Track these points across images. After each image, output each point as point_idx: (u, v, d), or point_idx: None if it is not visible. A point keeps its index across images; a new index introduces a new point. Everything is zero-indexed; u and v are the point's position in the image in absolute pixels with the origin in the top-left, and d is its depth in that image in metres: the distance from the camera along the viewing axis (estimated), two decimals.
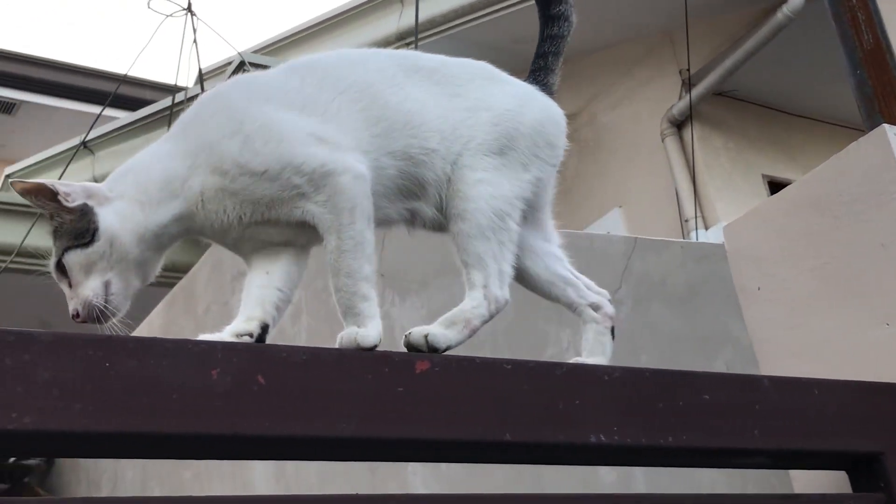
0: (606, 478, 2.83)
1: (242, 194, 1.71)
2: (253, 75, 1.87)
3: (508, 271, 1.78)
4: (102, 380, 1.33)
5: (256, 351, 1.48)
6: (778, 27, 6.22)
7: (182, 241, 1.83)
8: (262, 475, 3.90)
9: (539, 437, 1.60)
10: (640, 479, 2.83)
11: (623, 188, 7.16)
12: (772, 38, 6.30)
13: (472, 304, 1.73)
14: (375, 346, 1.60)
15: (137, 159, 1.82)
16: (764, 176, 6.93)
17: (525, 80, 1.97)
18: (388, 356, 1.56)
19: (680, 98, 6.84)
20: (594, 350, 1.87)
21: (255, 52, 7.51)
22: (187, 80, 5.83)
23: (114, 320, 1.70)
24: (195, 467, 4.32)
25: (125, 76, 5.99)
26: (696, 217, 6.51)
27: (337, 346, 1.61)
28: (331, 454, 1.60)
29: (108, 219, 1.71)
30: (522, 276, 1.91)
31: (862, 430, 1.96)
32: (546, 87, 1.97)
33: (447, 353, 1.66)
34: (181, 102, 5.88)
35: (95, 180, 7.45)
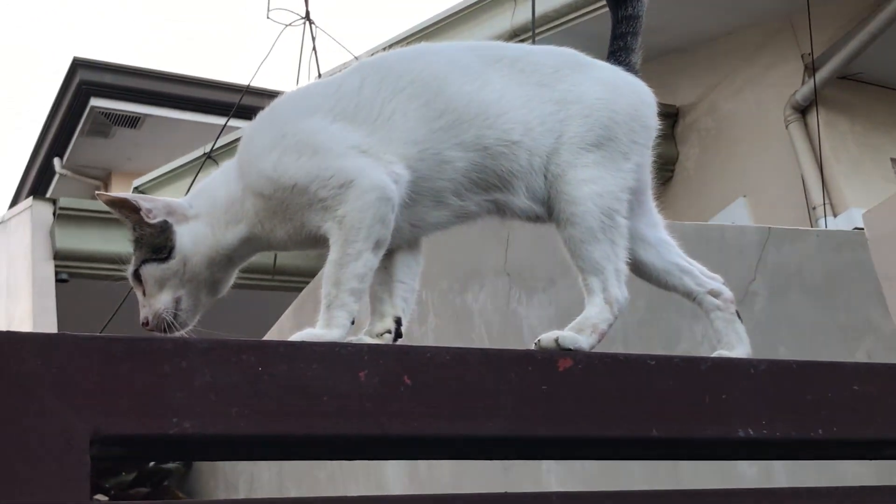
0: (747, 472, 2.79)
1: (282, 212, 1.75)
2: (309, 85, 1.90)
3: (624, 269, 1.76)
4: (256, 384, 1.36)
5: (401, 352, 1.49)
6: None
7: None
8: (395, 475, 3.94)
9: (686, 433, 1.58)
10: (780, 472, 2.78)
11: (747, 177, 7.02)
12: None
13: (596, 311, 1.72)
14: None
15: (211, 178, 1.88)
16: (893, 160, 6.73)
17: (608, 62, 1.94)
18: (531, 354, 1.56)
19: (803, 83, 6.68)
20: (732, 341, 1.84)
21: (372, 55, 7.58)
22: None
23: (181, 332, 1.77)
24: (329, 469, 4.39)
25: (248, 87, 6.10)
26: (823, 204, 6.35)
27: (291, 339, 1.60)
28: (478, 454, 1.60)
29: (184, 239, 1.78)
30: (637, 268, 1.89)
31: None
32: (629, 68, 1.93)
33: (588, 351, 1.66)
34: None
35: None
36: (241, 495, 5.31)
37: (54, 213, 7.01)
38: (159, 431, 1.30)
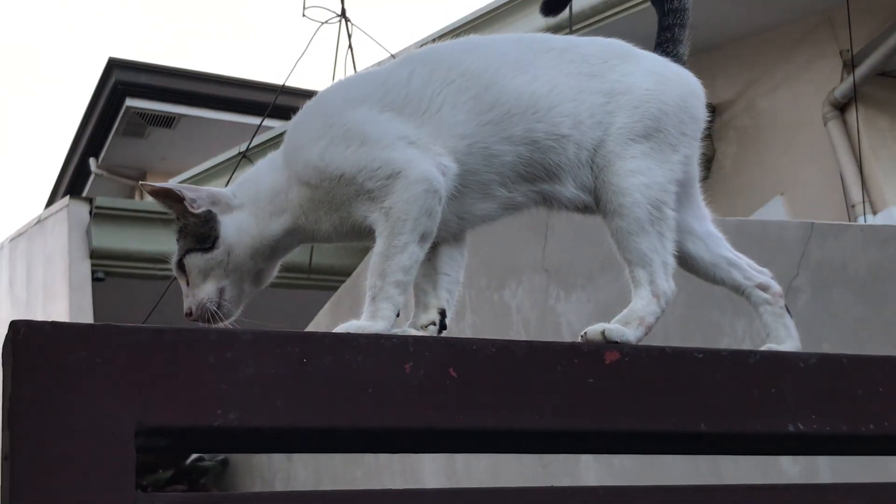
0: (789, 469, 2.75)
1: (328, 203, 1.73)
2: (359, 74, 1.89)
3: (671, 262, 1.74)
4: (301, 376, 1.35)
5: (447, 344, 1.48)
6: None
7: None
8: (431, 471, 3.93)
9: (735, 427, 1.55)
10: (824, 469, 2.74)
11: (784, 175, 6.95)
12: None
13: (643, 303, 1.70)
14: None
15: (257, 168, 1.87)
16: None
17: (656, 53, 1.91)
18: (577, 347, 1.55)
19: (842, 80, 6.60)
20: (781, 335, 1.81)
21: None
22: None
23: (225, 323, 1.77)
24: (366, 466, 4.38)
25: (283, 86, 6.11)
26: (863, 202, 6.28)
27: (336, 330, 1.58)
28: (525, 447, 1.59)
29: (229, 229, 1.77)
30: (685, 261, 1.87)
31: None
32: (677, 59, 1.91)
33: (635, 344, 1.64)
34: None
35: None
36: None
37: (91, 213, 7.06)
38: (204, 423, 1.30)
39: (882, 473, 2.47)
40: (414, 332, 1.69)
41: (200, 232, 1.77)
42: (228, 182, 6.37)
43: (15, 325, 1.25)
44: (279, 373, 1.34)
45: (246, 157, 7.20)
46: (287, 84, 6.53)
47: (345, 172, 1.69)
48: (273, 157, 1.85)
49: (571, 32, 5.71)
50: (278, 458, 5.31)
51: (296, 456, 5.02)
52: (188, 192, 1.79)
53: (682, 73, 1.87)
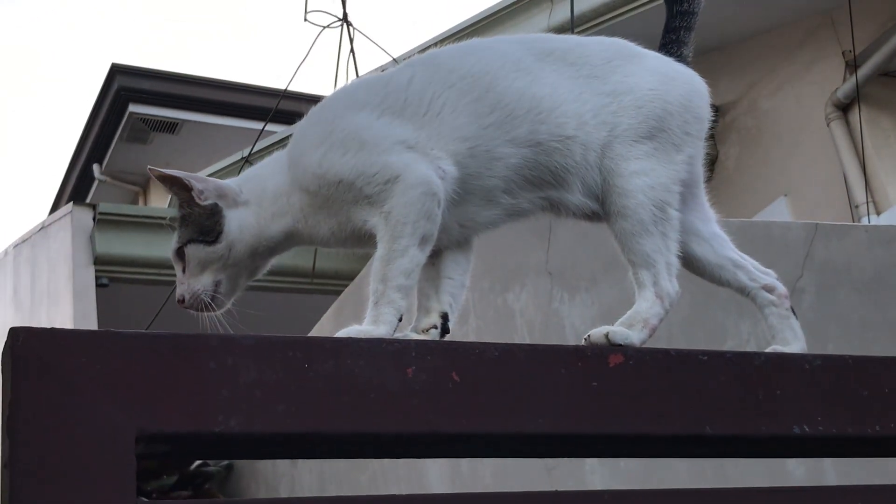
0: (795, 471, 2.74)
1: (327, 208, 1.73)
2: (362, 80, 1.89)
3: (675, 262, 1.73)
4: (303, 381, 1.34)
5: (449, 348, 1.47)
6: None
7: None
8: (437, 476, 3.92)
9: (740, 430, 1.54)
10: (830, 470, 2.73)
11: (788, 176, 6.94)
12: None
13: (647, 305, 1.69)
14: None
15: (262, 166, 1.88)
16: None
17: (659, 53, 1.91)
18: (581, 350, 1.54)
19: (844, 80, 6.59)
20: (787, 336, 1.80)
21: (409, 57, 7.58)
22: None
23: (217, 313, 1.78)
24: (371, 470, 4.37)
25: (285, 91, 6.10)
26: (867, 203, 6.27)
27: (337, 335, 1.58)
28: (529, 451, 1.58)
29: (232, 225, 1.78)
30: (690, 262, 1.85)
31: None
32: (680, 60, 1.90)
33: (639, 346, 1.63)
34: None
35: None
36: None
37: (94, 219, 7.05)
38: (205, 429, 1.29)
39: (889, 475, 2.46)
40: (415, 337, 1.68)
41: (205, 224, 1.77)
42: None
43: (14, 332, 1.25)
44: (281, 378, 1.33)
45: (249, 162, 7.20)
46: (289, 88, 6.53)
47: (343, 178, 1.69)
48: (279, 158, 1.85)
49: (573, 33, 5.70)
50: (283, 463, 5.30)
51: (300, 461, 5.02)
52: (196, 182, 1.79)
53: (686, 73, 1.87)
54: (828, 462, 2.69)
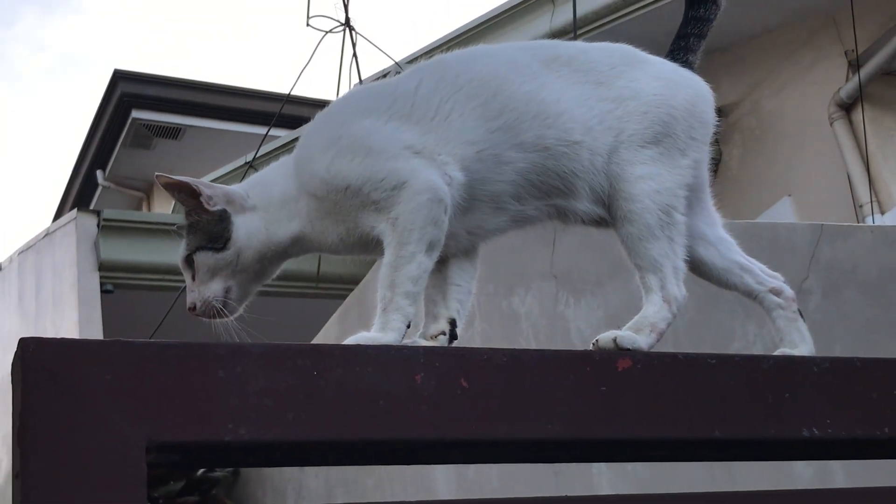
0: (803, 472, 2.74)
1: (335, 214, 1.74)
2: (368, 85, 1.89)
3: (682, 267, 1.73)
4: (312, 388, 1.34)
5: (458, 354, 1.47)
6: None
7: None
8: (444, 480, 3.92)
9: (749, 433, 1.54)
10: (838, 472, 2.73)
11: (791, 176, 6.94)
12: None
13: (654, 309, 1.69)
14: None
15: (268, 172, 1.87)
16: None
17: (665, 59, 1.91)
18: (589, 355, 1.54)
19: (847, 80, 6.59)
20: (794, 339, 1.80)
21: (411, 61, 7.58)
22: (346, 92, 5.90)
23: (229, 319, 1.78)
24: (378, 474, 4.37)
25: (289, 95, 6.11)
26: (871, 202, 6.26)
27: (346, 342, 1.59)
28: (537, 457, 1.58)
29: (240, 231, 1.78)
30: (696, 266, 1.86)
31: None
32: (686, 66, 1.90)
33: (647, 351, 1.63)
34: None
35: None
36: (289, 503, 5.31)
37: (98, 225, 7.06)
38: (215, 438, 1.29)
39: (893, 477, 2.46)
40: (424, 343, 1.69)
41: (213, 231, 1.77)
42: None
43: (24, 343, 1.25)
44: (289, 386, 1.33)
45: (252, 168, 7.20)
46: (292, 93, 6.52)
47: (351, 183, 1.69)
48: (285, 163, 1.85)
49: (576, 36, 5.71)
50: (290, 468, 5.30)
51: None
52: (205, 188, 1.79)
53: (691, 78, 1.87)
54: (836, 464, 2.69)
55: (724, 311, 2.94)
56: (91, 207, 10.87)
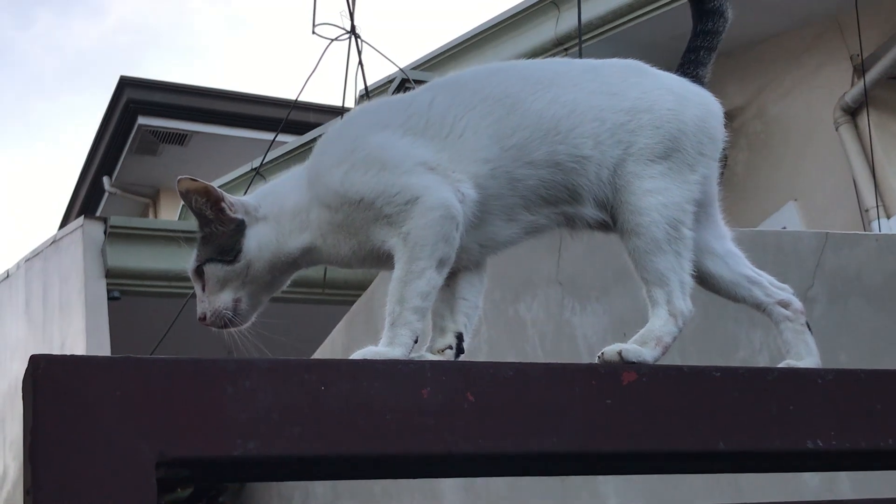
0: (810, 482, 2.74)
1: (347, 227, 1.74)
2: (382, 100, 1.90)
3: (689, 281, 1.75)
4: (319, 403, 1.35)
5: (464, 368, 1.48)
6: None
7: None
8: (451, 488, 3.92)
9: (754, 445, 1.55)
10: (844, 482, 2.73)
11: (797, 181, 6.94)
12: None
13: (660, 323, 1.70)
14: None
15: (280, 182, 1.88)
16: None
17: (676, 73, 1.92)
18: (595, 368, 1.55)
19: (852, 84, 6.60)
20: (801, 351, 1.81)
21: (416, 67, 7.60)
22: (351, 99, 5.92)
23: (239, 329, 1.80)
24: (385, 482, 4.38)
25: (295, 101, 6.12)
26: (876, 206, 6.26)
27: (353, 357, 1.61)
28: (544, 470, 1.59)
29: (251, 242, 1.78)
30: (705, 280, 1.87)
31: None
32: (697, 80, 1.91)
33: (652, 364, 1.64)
34: None
35: None
36: None
37: (105, 232, 7.07)
38: (224, 453, 1.30)
39: None
40: (431, 357, 1.70)
41: (226, 243, 1.78)
42: None
43: (35, 360, 1.26)
44: (297, 401, 1.34)
45: (259, 174, 7.22)
46: (293, 97, 6.54)
47: (364, 197, 1.70)
48: (297, 174, 1.86)
49: (581, 42, 5.72)
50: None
51: None
52: (225, 195, 1.80)
53: (701, 94, 1.88)
54: (843, 473, 2.69)
55: (730, 319, 2.94)
56: (97, 213, 10.91)
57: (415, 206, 1.67)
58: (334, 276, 6.40)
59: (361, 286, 5.64)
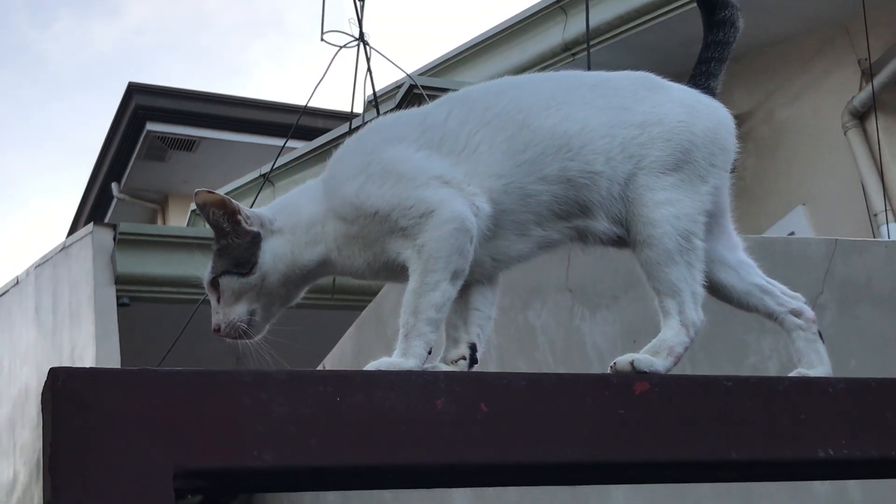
0: (820, 490, 2.75)
1: (362, 239, 1.76)
2: (397, 114, 1.91)
3: (700, 291, 1.76)
4: (335, 414, 1.37)
5: (477, 379, 1.49)
6: None
7: None
8: (461, 494, 3.93)
9: (766, 455, 1.56)
10: (856, 490, 2.73)
11: (805, 185, 6.94)
12: None
13: (672, 333, 1.72)
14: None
15: (295, 195, 1.89)
16: None
17: (687, 85, 1.93)
18: (607, 378, 1.56)
19: (860, 89, 6.60)
20: (812, 360, 1.82)
21: (423, 73, 7.61)
22: (360, 105, 5.94)
23: (253, 340, 1.82)
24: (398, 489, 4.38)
25: (305, 107, 6.13)
26: (885, 211, 6.26)
27: (367, 368, 1.62)
28: (557, 480, 1.59)
29: (267, 255, 1.79)
30: (717, 290, 1.88)
31: None
32: (708, 92, 1.92)
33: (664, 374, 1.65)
34: (357, 128, 6.00)
35: None
36: None
37: (115, 238, 7.09)
38: (240, 464, 1.32)
39: None
40: (444, 368, 1.71)
41: (241, 255, 1.79)
42: (252, 204, 6.41)
43: (54, 372, 1.28)
44: (312, 412, 1.36)
45: (268, 180, 7.23)
46: (300, 103, 6.55)
47: (380, 209, 1.72)
48: (313, 187, 1.88)
49: (589, 47, 5.73)
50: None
51: None
52: (243, 208, 1.81)
53: (712, 105, 1.89)
54: (853, 481, 2.69)
55: (740, 325, 2.95)
56: (106, 219, 10.93)
57: (430, 218, 1.69)
58: (344, 281, 6.40)
59: (371, 292, 5.65)
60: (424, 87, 6.20)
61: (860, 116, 6.62)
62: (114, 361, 6.28)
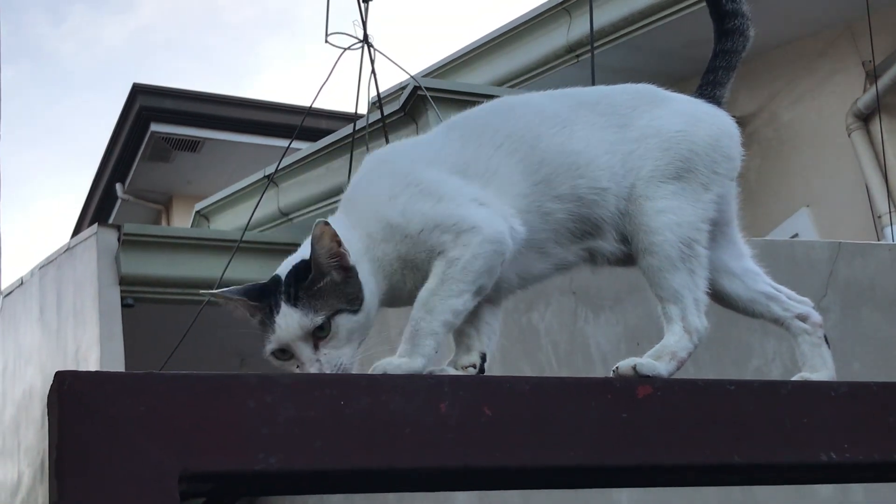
0: (822, 491, 2.75)
1: (411, 260, 1.74)
2: (412, 140, 1.91)
3: (703, 298, 1.76)
4: (340, 418, 1.38)
5: (481, 383, 1.51)
6: None
7: None
8: (465, 495, 3.94)
9: (768, 458, 1.57)
10: (858, 492, 2.74)
11: (809, 187, 6.94)
12: None
13: (675, 339, 1.72)
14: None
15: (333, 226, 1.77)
16: None
17: (693, 95, 1.94)
18: (610, 382, 1.57)
19: (864, 90, 6.59)
20: (816, 364, 1.83)
21: (427, 75, 7.61)
22: (363, 107, 5.93)
23: None
24: None
25: (309, 108, 6.14)
26: (889, 212, 6.26)
27: (371, 371, 1.60)
28: (560, 483, 1.61)
29: (366, 289, 1.70)
30: (721, 298, 1.89)
31: None
32: (714, 101, 1.93)
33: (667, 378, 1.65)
34: (362, 129, 6.00)
35: (280, 212, 7.58)
36: None
37: (119, 239, 7.10)
38: (246, 467, 1.33)
39: None
40: (453, 372, 1.72)
41: (348, 291, 1.68)
42: (256, 206, 6.41)
43: (60, 376, 1.29)
44: (317, 415, 1.37)
45: (273, 182, 7.24)
46: (304, 104, 6.55)
47: (424, 227, 1.71)
48: (338, 220, 1.77)
49: (593, 49, 5.72)
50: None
51: None
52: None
53: (714, 113, 1.89)
54: (856, 485, 2.70)
55: (743, 328, 2.96)
56: (110, 220, 10.95)
57: (471, 234, 1.69)
58: None
59: None
60: (428, 89, 6.19)
61: (864, 118, 6.61)
62: (118, 362, 6.29)
